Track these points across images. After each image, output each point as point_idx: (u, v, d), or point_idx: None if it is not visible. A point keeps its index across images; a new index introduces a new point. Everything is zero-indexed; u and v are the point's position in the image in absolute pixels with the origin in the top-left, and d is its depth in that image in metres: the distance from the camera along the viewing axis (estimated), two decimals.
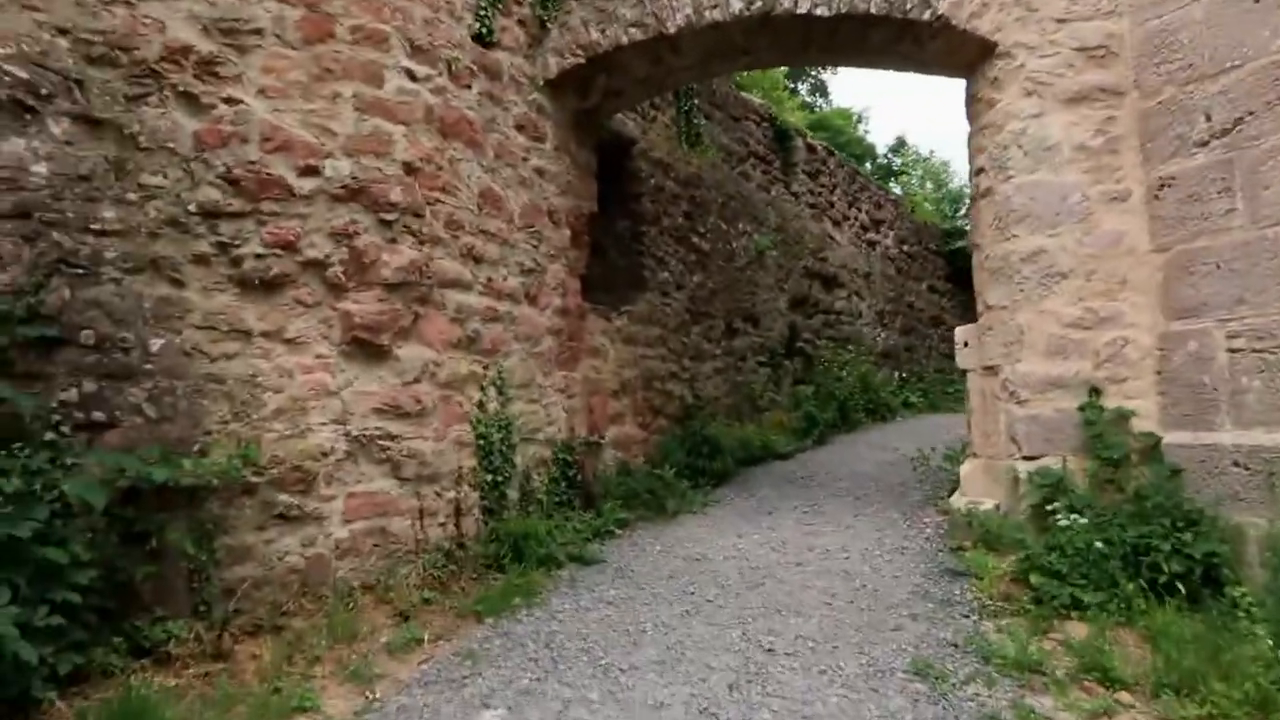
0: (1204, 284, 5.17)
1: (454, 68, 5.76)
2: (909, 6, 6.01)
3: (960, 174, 21.71)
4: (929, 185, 19.85)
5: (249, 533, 4.57)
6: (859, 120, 24.21)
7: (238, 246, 4.70)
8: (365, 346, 5.06)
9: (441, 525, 5.34)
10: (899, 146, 24.29)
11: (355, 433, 5.00)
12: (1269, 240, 4.84)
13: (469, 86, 5.93)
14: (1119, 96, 5.67)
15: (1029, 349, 5.68)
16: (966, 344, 6.23)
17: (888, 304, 14.70)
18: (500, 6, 6.29)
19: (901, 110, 57.01)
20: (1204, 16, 5.19)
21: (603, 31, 6.63)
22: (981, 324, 6.12)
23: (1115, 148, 5.65)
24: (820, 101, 25.53)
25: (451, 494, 5.42)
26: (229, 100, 4.74)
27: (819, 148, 13.29)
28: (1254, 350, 4.90)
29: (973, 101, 6.26)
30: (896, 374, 14.16)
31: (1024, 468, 5.61)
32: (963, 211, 18.26)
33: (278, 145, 4.84)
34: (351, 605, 4.67)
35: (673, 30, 6.45)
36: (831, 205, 13.47)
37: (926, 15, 5.99)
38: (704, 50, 6.76)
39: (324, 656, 4.20)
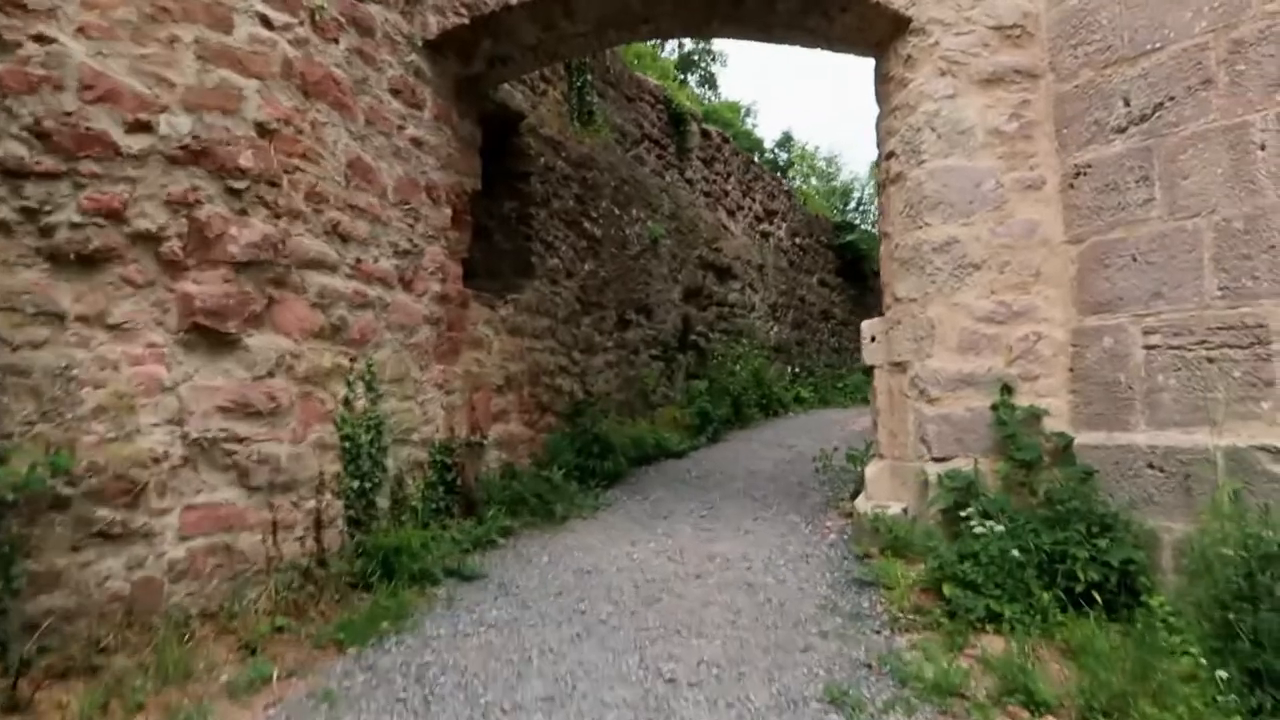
0: (1120, 277, 5.04)
1: (319, 17, 5.12)
2: None
3: (851, 167, 22.04)
4: (814, 180, 20.01)
5: (60, 555, 3.86)
6: (747, 114, 24.25)
7: (49, 214, 3.98)
8: (208, 335, 4.40)
9: (299, 540, 4.72)
10: (785, 141, 24.44)
11: (195, 435, 4.34)
12: (1187, 232, 4.72)
13: (336, 40, 5.30)
14: (1034, 79, 5.51)
15: (940, 344, 5.46)
16: (874, 339, 5.98)
17: (780, 297, 14.61)
18: None
19: (790, 106, 57.89)
20: None
21: None
22: (890, 318, 5.89)
23: (1030, 133, 5.49)
24: (709, 94, 25.45)
25: (311, 504, 4.80)
26: (39, 38, 4.01)
27: (714, 134, 13.03)
28: (1170, 347, 4.78)
29: (884, 81, 6.01)
30: (790, 368, 14.07)
31: (934, 470, 5.39)
32: (852, 205, 18.45)
33: (100, 95, 4.13)
34: (187, 637, 4.02)
35: None
36: (726, 194, 13.23)
37: None
38: (600, 15, 6.30)
39: (148, 702, 3.56)
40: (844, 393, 15.68)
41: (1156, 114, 4.88)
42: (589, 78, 9.07)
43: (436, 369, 6.15)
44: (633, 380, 9.48)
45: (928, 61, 5.61)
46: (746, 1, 6.05)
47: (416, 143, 6.07)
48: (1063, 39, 5.42)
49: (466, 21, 6.12)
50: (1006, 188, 5.46)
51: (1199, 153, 4.69)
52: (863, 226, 18.04)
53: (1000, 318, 5.41)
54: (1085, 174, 5.24)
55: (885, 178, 5.98)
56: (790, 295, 15.09)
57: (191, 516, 4.31)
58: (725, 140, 13.41)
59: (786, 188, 16.23)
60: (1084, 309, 5.25)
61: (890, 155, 5.88)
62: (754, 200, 14.23)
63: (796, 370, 14.25)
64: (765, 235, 14.52)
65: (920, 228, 5.55)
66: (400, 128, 5.90)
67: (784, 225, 15.35)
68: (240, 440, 4.46)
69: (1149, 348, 4.89)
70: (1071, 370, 5.30)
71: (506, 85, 7.45)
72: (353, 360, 5.25)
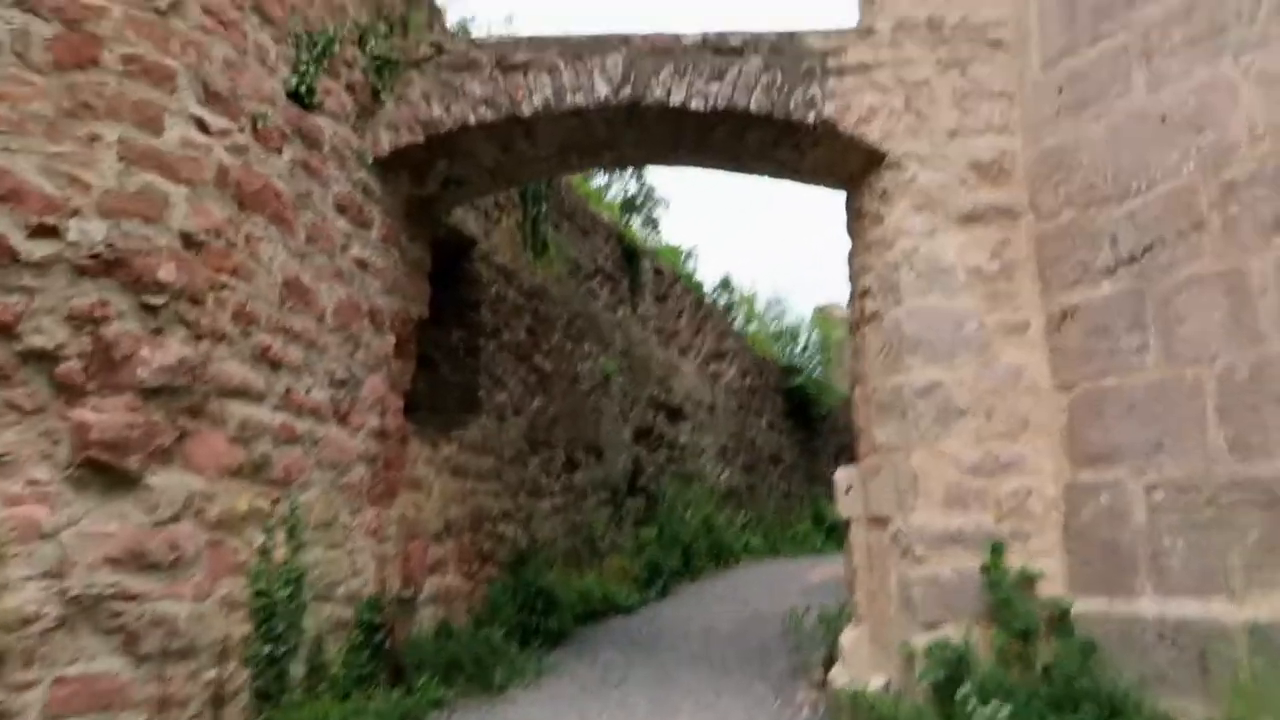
0: (1116, 428, 4.78)
1: (261, 125, 4.79)
2: (792, 107, 5.60)
3: (797, 310, 22.21)
4: (753, 325, 20.11)
5: None
6: (688, 257, 24.55)
7: None
8: (104, 472, 3.82)
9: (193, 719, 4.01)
10: (725, 284, 24.67)
11: (77, 591, 3.70)
12: (1187, 382, 4.50)
13: (279, 151, 4.96)
14: (1014, 218, 5.41)
15: (925, 497, 5.10)
16: (849, 489, 5.60)
17: (730, 439, 14.30)
18: (325, 64, 5.41)
19: (731, 249, 59.52)
20: (1106, 136, 4.99)
21: (447, 108, 5.85)
22: (867, 466, 5.53)
23: (1012, 273, 5.34)
24: (652, 236, 25.79)
25: (211, 674, 4.11)
26: None
27: (667, 271, 12.97)
28: (1176, 506, 4.47)
29: (857, 216, 5.86)
30: (741, 514, 13.63)
31: (920, 639, 4.91)
32: (800, 348, 18.49)
33: (1, 194, 3.69)
34: None
35: (528, 113, 5.76)
36: (677, 332, 13.07)
37: (810, 118, 5.59)
38: (562, 140, 6.11)
39: None
40: (794, 541, 15.22)
41: (1146, 256, 4.74)
42: (544, 207, 8.90)
43: (370, 513, 5.56)
44: (580, 526, 8.92)
45: (904, 197, 5.48)
46: (715, 131, 5.93)
47: (361, 264, 5.68)
48: (1042, 178, 5.34)
49: (421, 140, 5.87)
50: (990, 329, 5.25)
51: (1195, 297, 4.52)
52: (810, 370, 18.09)
53: (988, 469, 5.09)
54: (1073, 317, 5.05)
55: (860, 317, 5.74)
56: (740, 438, 14.81)
57: (62, 692, 3.62)
58: (677, 278, 13.36)
59: (736, 328, 16.21)
60: (1078, 461, 4.96)
61: (865, 293, 5.66)
62: (705, 340, 14.10)
63: (747, 517, 13.81)
64: (715, 376, 14.33)
65: (900, 370, 5.27)
66: (344, 247, 5.52)
67: (734, 366, 15.22)
68: (131, 598, 3.82)
69: (1152, 506, 4.58)
70: (1066, 528, 4.97)
71: (459, 209, 7.18)
72: (275, 503, 4.67)
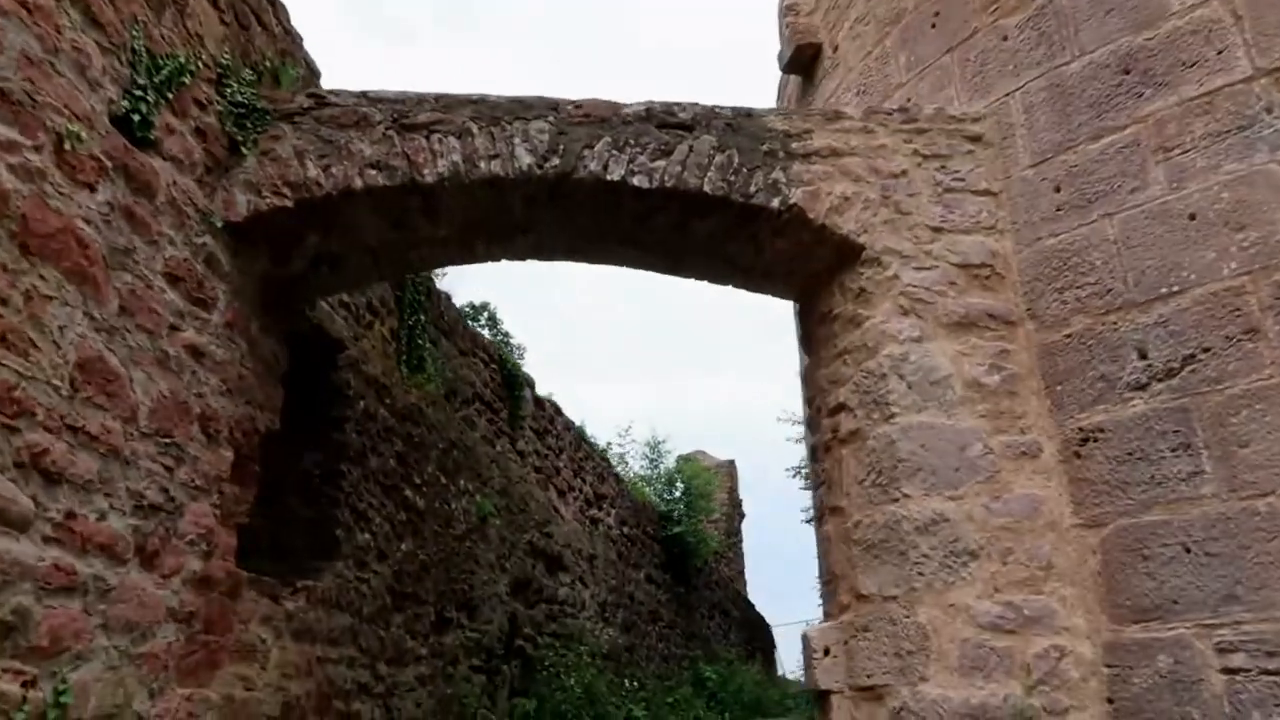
0: (1168, 573, 3.89)
1: (70, 148, 3.48)
2: (752, 190, 4.75)
3: (691, 444, 21.16)
4: (631, 467, 19.10)
5: None
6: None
7: None
8: None
9: None
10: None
11: None
12: (1261, 515, 3.68)
13: (92, 188, 3.64)
14: (1011, 326, 4.64)
15: (937, 661, 4.02)
16: (827, 651, 4.44)
17: (610, 594, 12.88)
18: (169, 97, 4.19)
19: (589, 397, 58.80)
20: (1121, 235, 4.33)
21: (326, 169, 4.68)
22: (849, 622, 4.42)
23: (1014, 389, 4.52)
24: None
25: None
26: None
27: (548, 404, 11.79)
28: (1265, 671, 3.55)
29: (822, 321, 4.97)
30: (628, 680, 12.08)
31: None
32: (678, 493, 17.40)
33: None
34: None
35: (430, 180, 4.67)
36: (558, 471, 11.80)
37: (775, 203, 4.74)
38: (468, 218, 5.01)
39: None
40: (676, 710, 13.66)
41: (1189, 368, 4.00)
42: (423, 318, 7.68)
43: (178, 696, 3.96)
44: (449, 701, 7.29)
45: (886, 298, 4.64)
46: (655, 219, 4.98)
47: (195, 353, 4.29)
48: (1043, 282, 4.62)
49: (290, 204, 4.64)
50: (997, 454, 4.37)
51: (1258, 415, 3.78)
52: (689, 518, 16.99)
53: (1010, 624, 4.08)
54: (1097, 440, 4.23)
55: (831, 438, 4.76)
56: (620, 592, 13.40)
57: None
58: (558, 411, 12.19)
59: (615, 471, 15.03)
60: (1119, 616, 4.02)
61: (838, 409, 4.70)
62: (585, 481, 12.86)
63: (632, 684, 12.28)
64: (595, 522, 13.03)
65: (895, 500, 4.28)
66: (175, 329, 4.14)
67: (613, 512, 13.97)
68: None
69: (1229, 671, 3.66)
70: (1111, 701, 3.96)
71: (326, 304, 5.89)
72: (28, 685, 3.09)
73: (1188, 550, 3.84)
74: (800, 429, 22.93)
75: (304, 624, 5.29)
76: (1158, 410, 4.05)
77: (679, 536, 16.53)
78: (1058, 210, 4.66)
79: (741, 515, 29.51)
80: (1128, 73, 4.49)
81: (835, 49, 6.32)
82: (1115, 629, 4.00)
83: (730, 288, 5.63)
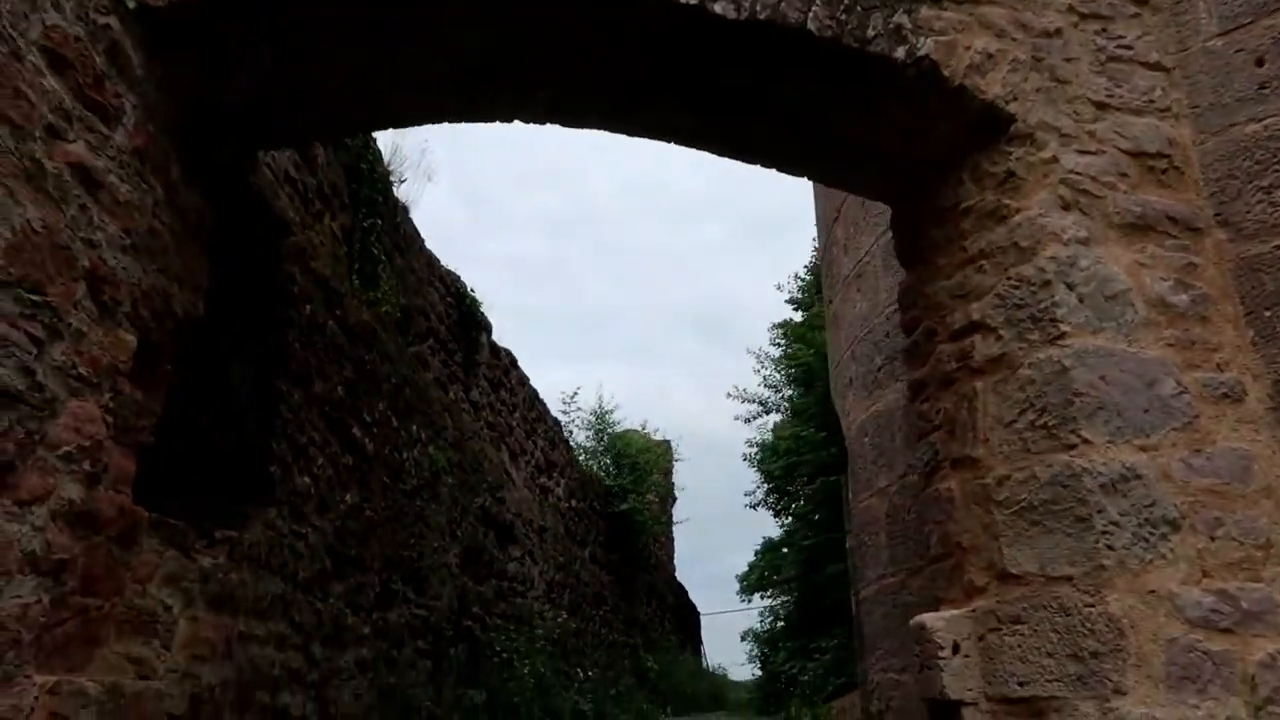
0: None
1: None
2: (870, 35, 3.57)
3: (629, 421, 19.79)
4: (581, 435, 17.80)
5: None
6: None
7: None
8: None
9: None
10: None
11: None
12: None
13: None
14: (1195, 235, 3.59)
15: (1137, 668, 2.93)
16: (957, 649, 3.33)
17: (558, 573, 11.66)
18: None
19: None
20: None
21: None
22: (988, 611, 3.32)
23: (1205, 313, 3.47)
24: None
25: None
26: None
27: (504, 353, 10.50)
28: None
29: (943, 220, 3.84)
30: (579, 670, 10.91)
31: None
32: (625, 467, 16.15)
33: None
34: None
35: None
36: (511, 430, 10.52)
37: (899, 54, 3.58)
38: (485, 48, 3.71)
39: None
40: (619, 703, 12.56)
41: None
42: (379, 223, 6.34)
43: (35, 687, 2.64)
44: (392, 693, 6.01)
45: (1042, 186, 3.54)
46: (731, 71, 3.77)
47: (87, 178, 2.94)
48: (1239, 179, 3.58)
49: None
50: (1192, 394, 3.31)
51: None
52: (637, 495, 15.81)
53: (1225, 620, 3.04)
54: None
55: (956, 367, 3.64)
56: (567, 571, 12.19)
57: None
58: (514, 364, 10.90)
59: (566, 437, 13.79)
60: None
61: (971, 330, 3.59)
62: (536, 445, 11.60)
63: (582, 675, 11.12)
64: (545, 491, 11.78)
65: (1070, 447, 3.18)
66: (55, 134, 2.79)
67: (563, 482, 12.74)
68: None
69: None
70: None
71: (270, 171, 4.53)
72: None
73: None
74: (750, 407, 22.01)
75: (223, 588, 3.96)
76: None
77: (626, 514, 15.39)
78: (1260, 88, 3.63)
79: (674, 499, 28.61)
80: None
81: None
82: None
83: (802, 178, 4.49)
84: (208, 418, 4.33)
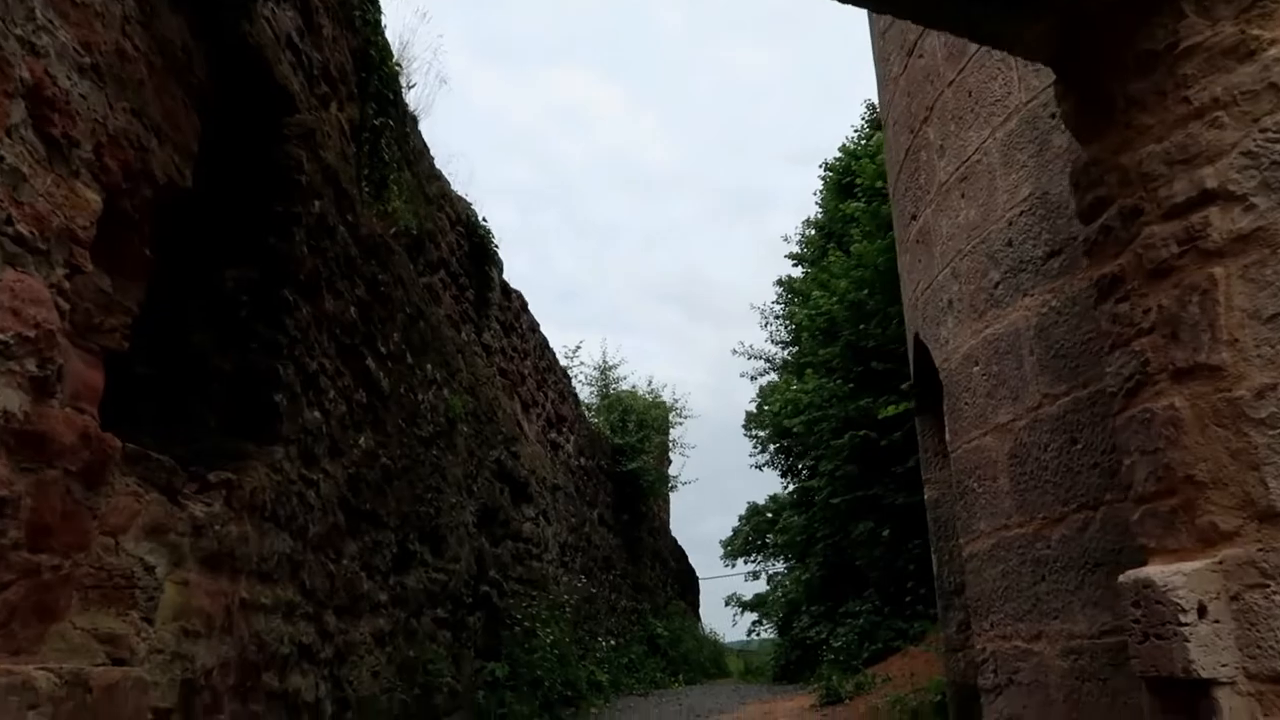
0: None
1: None
2: None
3: (633, 380, 18.94)
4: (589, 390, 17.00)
5: None
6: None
7: None
8: None
9: None
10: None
11: None
12: None
13: None
14: None
15: None
16: (1204, 612, 2.54)
17: (570, 534, 10.88)
18: None
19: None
20: None
21: None
22: (1245, 561, 2.52)
23: None
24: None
25: None
26: None
27: (515, 295, 9.62)
28: None
29: (1146, 68, 3.00)
30: (598, 639, 10.18)
31: None
32: (630, 426, 15.29)
33: None
34: None
35: None
36: (523, 379, 9.68)
37: None
38: None
39: None
40: (629, 672, 11.87)
41: None
42: (390, 124, 5.45)
43: None
44: (413, 667, 5.22)
45: None
46: None
47: None
48: None
49: None
50: None
51: None
52: (646, 454, 14.99)
53: None
54: None
55: (1177, 253, 2.83)
56: (579, 533, 11.41)
57: None
58: (524, 307, 10.03)
59: (575, 391, 12.95)
60: None
61: (1200, 202, 2.77)
62: (547, 397, 10.77)
63: (592, 641, 10.38)
64: (556, 447, 10.96)
65: None
66: None
67: (572, 438, 11.92)
68: None
69: None
70: None
71: (270, 29, 3.63)
72: None
73: None
74: (756, 364, 21.18)
75: (220, 544, 3.12)
76: None
77: (634, 474, 14.59)
78: None
79: (669, 461, 27.93)
80: None
81: None
82: None
83: (946, 31, 3.65)
84: (199, 330, 3.47)
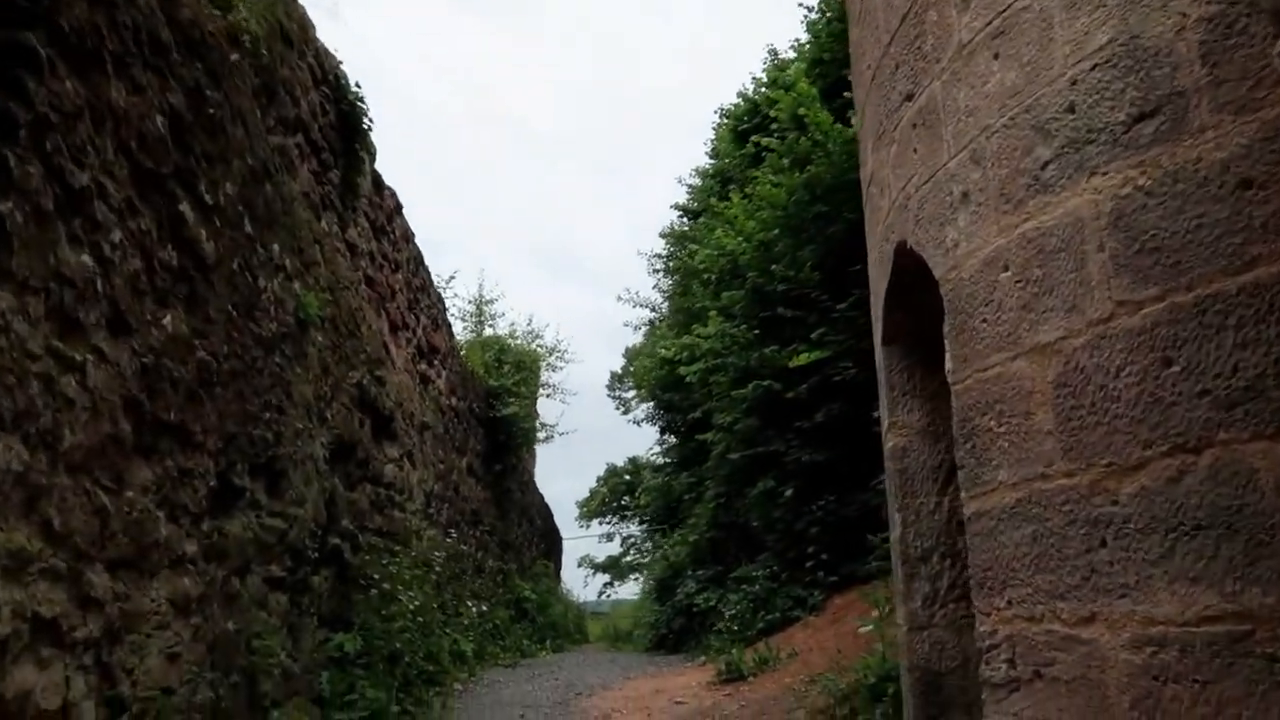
0: None
1: None
2: None
3: (512, 318, 17.58)
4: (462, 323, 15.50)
5: None
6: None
7: None
8: None
9: None
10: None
11: None
12: None
13: None
14: None
15: None
16: None
17: (436, 482, 9.48)
18: None
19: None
20: None
21: None
22: None
23: None
24: None
25: None
26: None
27: (388, 191, 8.09)
28: None
29: None
30: (467, 603, 8.88)
31: None
32: (506, 368, 13.90)
33: None
34: None
35: None
36: (394, 294, 8.19)
37: None
38: None
39: None
40: (494, 639, 10.64)
41: None
42: None
43: None
44: (232, 644, 3.83)
45: None
46: None
47: None
48: None
49: None
50: None
51: None
52: (522, 400, 13.61)
53: None
54: None
55: None
56: (446, 481, 10.03)
57: None
58: (398, 210, 8.51)
59: (448, 320, 11.47)
60: None
61: None
62: (419, 321, 9.29)
63: (458, 606, 9.09)
64: (425, 381, 9.52)
65: None
66: None
67: (444, 374, 10.49)
68: None
69: None
70: None
71: None
72: None
73: None
74: (641, 312, 20.06)
75: None
76: None
77: (508, 421, 13.22)
78: None
79: (537, 414, 26.65)
80: None
81: None
82: None
83: None
84: None
